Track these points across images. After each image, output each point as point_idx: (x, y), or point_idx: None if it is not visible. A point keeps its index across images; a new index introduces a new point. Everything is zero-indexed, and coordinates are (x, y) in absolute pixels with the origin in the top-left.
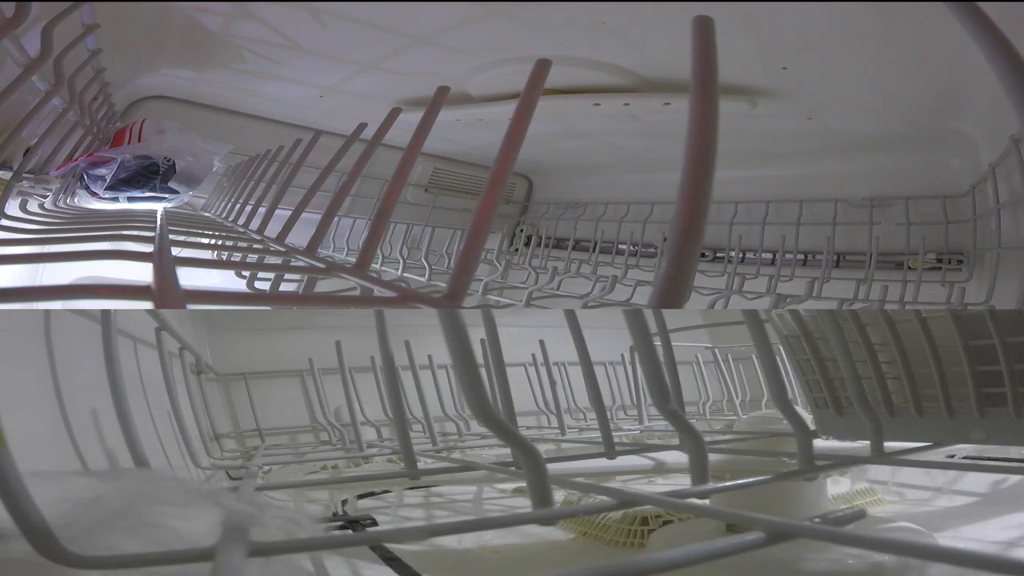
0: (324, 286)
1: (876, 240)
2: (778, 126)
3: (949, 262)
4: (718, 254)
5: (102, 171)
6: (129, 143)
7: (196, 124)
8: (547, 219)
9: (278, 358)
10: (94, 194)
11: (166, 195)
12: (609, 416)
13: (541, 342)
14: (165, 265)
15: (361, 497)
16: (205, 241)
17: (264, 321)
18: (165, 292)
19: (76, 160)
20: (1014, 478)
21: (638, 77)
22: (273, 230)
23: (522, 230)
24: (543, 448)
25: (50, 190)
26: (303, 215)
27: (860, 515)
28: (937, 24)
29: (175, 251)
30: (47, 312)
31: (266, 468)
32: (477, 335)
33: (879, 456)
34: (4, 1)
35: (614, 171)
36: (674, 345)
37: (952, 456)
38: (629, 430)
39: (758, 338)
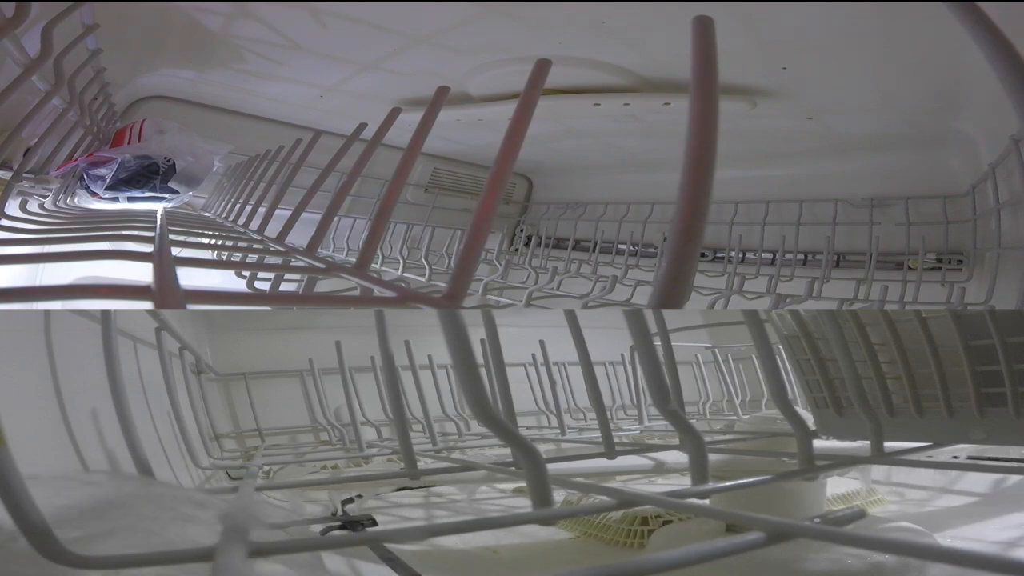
0: (324, 286)
1: (876, 240)
2: (778, 126)
3: (949, 262)
4: (718, 254)
5: (102, 171)
6: (129, 143)
7: (196, 124)
8: (547, 219)
9: (278, 358)
10: (94, 194)
11: (166, 195)
12: (609, 416)
13: (541, 342)
14: (165, 265)
15: (361, 497)
16: (205, 241)
17: (264, 321)
18: (165, 292)
19: (76, 160)
20: (1014, 478)
21: (638, 77)
22: (273, 230)
23: (522, 230)
24: (543, 448)
25: (50, 190)
26: (303, 215)
27: (860, 515)
28: (937, 24)
29: (175, 251)
30: (47, 312)
31: (266, 468)
32: (477, 335)
33: (879, 456)
34: (4, 1)
35: (614, 171)
36: (674, 345)
37: (954, 457)
38: (629, 430)
39: (758, 338)
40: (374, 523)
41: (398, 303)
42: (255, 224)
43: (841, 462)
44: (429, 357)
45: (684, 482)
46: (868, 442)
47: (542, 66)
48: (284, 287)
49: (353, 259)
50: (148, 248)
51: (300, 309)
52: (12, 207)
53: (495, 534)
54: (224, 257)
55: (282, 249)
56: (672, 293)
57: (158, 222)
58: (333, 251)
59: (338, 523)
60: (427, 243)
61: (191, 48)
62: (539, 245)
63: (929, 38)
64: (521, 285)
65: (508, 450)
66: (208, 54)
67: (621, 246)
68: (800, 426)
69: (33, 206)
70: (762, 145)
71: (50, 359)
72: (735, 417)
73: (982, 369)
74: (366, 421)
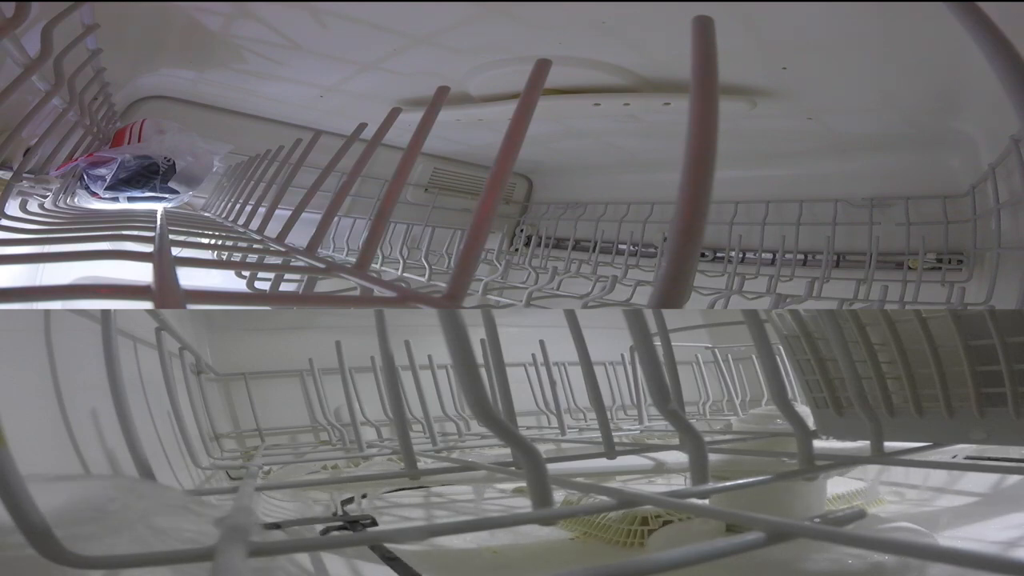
0: (324, 286)
1: (876, 240)
2: (778, 126)
3: (949, 262)
4: (718, 254)
5: (102, 171)
6: (129, 143)
7: (196, 124)
8: (547, 219)
9: (278, 358)
10: (94, 194)
11: (166, 195)
12: (609, 416)
13: (541, 342)
14: (165, 265)
15: (363, 497)
16: (205, 241)
17: (264, 321)
18: (165, 292)
19: (76, 160)
20: (1014, 478)
21: (638, 77)
22: (273, 230)
23: (522, 230)
24: (543, 448)
25: (50, 190)
26: (303, 215)
27: (860, 515)
28: (937, 24)
29: (175, 251)
30: (47, 312)
31: (266, 468)
32: (477, 335)
33: (879, 456)
34: (4, 1)
35: (614, 171)
36: (674, 345)
37: (954, 457)
38: (629, 430)
39: (758, 338)
40: (374, 523)
41: (398, 303)
42: (255, 224)
43: (841, 462)
44: (429, 357)
45: (684, 482)
46: (868, 442)
47: (542, 66)
48: (284, 287)
49: (353, 259)
50: (148, 248)
51: (300, 309)
52: (12, 207)
53: (495, 534)
54: (224, 257)
55: (282, 249)
56: (672, 293)
57: (158, 222)
58: (333, 251)
59: (338, 523)
60: (427, 243)
61: (191, 48)
62: (539, 245)
63: (929, 38)
64: (521, 285)
65: (508, 450)
66: (208, 54)
67: (621, 246)
68: (800, 426)
69: (33, 206)
70: (762, 145)
71: (50, 359)
72: (735, 417)
73: (982, 369)
74: (366, 421)
